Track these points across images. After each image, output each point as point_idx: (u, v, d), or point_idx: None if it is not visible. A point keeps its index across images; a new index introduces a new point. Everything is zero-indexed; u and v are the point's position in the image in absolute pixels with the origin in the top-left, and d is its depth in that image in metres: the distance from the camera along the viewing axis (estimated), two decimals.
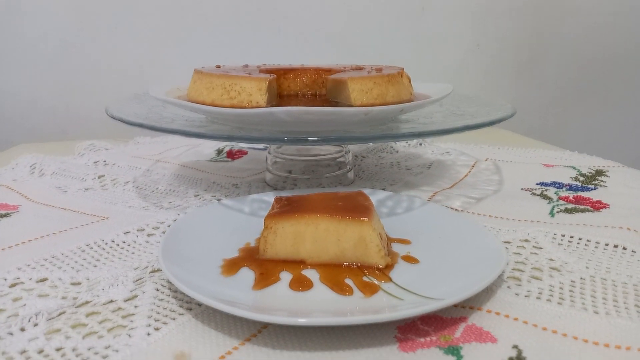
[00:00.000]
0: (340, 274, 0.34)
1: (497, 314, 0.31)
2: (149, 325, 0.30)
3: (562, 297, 0.33)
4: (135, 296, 0.34)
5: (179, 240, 0.38)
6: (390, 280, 0.33)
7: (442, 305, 0.28)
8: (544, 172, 0.63)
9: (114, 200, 0.54)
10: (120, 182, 0.60)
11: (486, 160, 0.69)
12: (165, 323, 0.30)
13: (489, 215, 0.48)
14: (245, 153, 0.74)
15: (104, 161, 0.70)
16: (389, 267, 0.35)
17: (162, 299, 0.33)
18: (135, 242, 0.43)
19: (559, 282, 0.35)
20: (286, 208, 0.37)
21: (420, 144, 0.79)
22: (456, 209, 0.50)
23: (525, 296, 0.33)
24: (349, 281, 0.33)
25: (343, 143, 0.56)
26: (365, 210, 0.36)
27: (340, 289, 0.32)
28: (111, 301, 0.33)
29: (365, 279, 0.34)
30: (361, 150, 0.75)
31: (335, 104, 0.53)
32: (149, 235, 0.44)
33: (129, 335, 0.29)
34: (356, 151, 0.74)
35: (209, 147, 0.77)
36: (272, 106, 0.50)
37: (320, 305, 0.30)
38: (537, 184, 0.58)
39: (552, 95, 1.17)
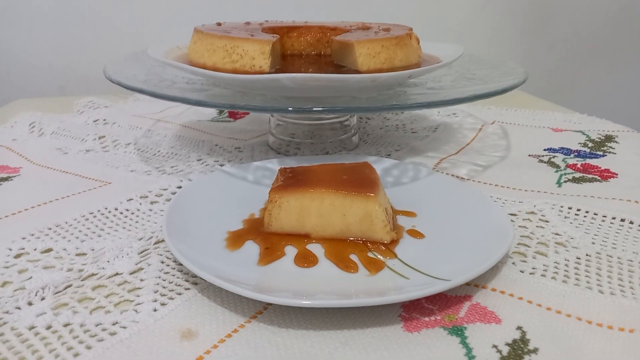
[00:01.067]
0: (345, 249, 0.34)
1: (502, 292, 0.31)
2: (156, 301, 0.30)
3: (567, 275, 0.33)
4: (141, 269, 0.34)
5: (182, 212, 0.37)
6: (396, 256, 0.33)
7: (448, 286, 0.28)
8: (552, 137, 0.61)
9: (116, 163, 0.53)
10: (121, 143, 0.60)
11: (493, 123, 0.68)
12: (171, 298, 0.31)
13: (495, 185, 0.48)
14: (248, 113, 0.73)
15: (104, 120, 0.69)
16: (394, 242, 0.35)
17: (167, 272, 0.33)
18: (138, 210, 0.42)
19: (564, 259, 0.35)
20: (291, 181, 0.36)
21: None
22: (462, 178, 0.49)
23: (530, 273, 0.33)
24: (353, 257, 0.33)
25: (348, 113, 0.54)
26: (371, 185, 0.35)
27: (345, 265, 0.32)
28: (117, 274, 0.33)
29: (370, 254, 0.33)
30: None
31: (341, 67, 0.51)
32: (152, 202, 0.44)
33: (136, 311, 0.29)
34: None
35: None
36: (275, 69, 0.49)
37: (325, 283, 0.30)
38: (544, 149, 0.57)
39: (563, 55, 1.13)
